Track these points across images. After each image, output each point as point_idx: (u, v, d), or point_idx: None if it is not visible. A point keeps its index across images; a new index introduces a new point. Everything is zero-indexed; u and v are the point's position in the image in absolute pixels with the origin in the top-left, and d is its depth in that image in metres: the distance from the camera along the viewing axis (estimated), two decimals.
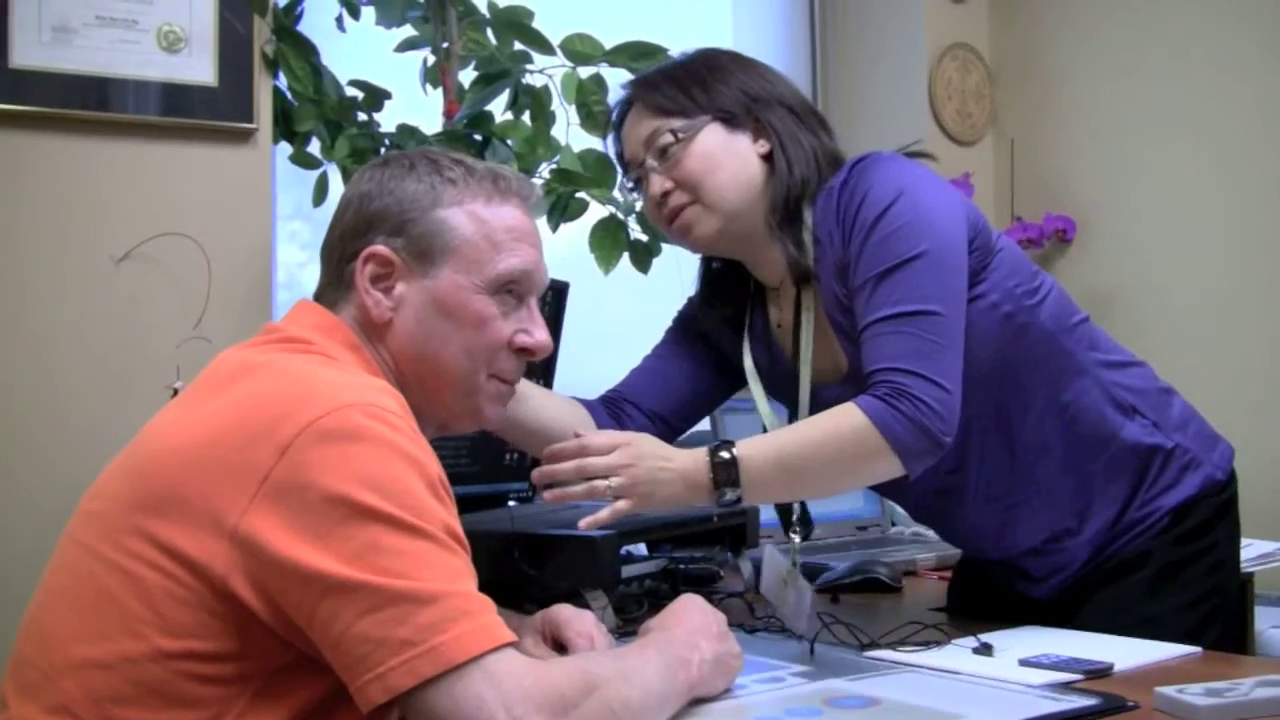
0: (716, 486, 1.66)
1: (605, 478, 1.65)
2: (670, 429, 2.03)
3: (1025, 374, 1.81)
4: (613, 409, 2.00)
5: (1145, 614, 1.79)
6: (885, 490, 2.03)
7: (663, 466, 1.67)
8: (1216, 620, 1.83)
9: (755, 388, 1.95)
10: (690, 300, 2.09)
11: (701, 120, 1.80)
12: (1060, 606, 1.86)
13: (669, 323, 2.11)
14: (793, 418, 1.89)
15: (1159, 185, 3.62)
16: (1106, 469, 1.84)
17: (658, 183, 1.82)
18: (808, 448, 1.66)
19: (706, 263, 2.02)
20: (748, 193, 1.81)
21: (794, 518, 1.91)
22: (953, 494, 1.89)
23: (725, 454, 1.65)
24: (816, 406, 1.78)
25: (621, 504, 1.65)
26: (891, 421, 1.61)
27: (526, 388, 1.80)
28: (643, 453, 1.67)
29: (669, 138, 1.80)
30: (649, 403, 2.01)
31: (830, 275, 1.79)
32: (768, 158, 1.83)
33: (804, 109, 1.87)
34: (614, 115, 1.92)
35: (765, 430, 1.92)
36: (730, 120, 1.82)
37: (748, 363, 1.96)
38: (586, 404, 2.00)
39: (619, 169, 1.96)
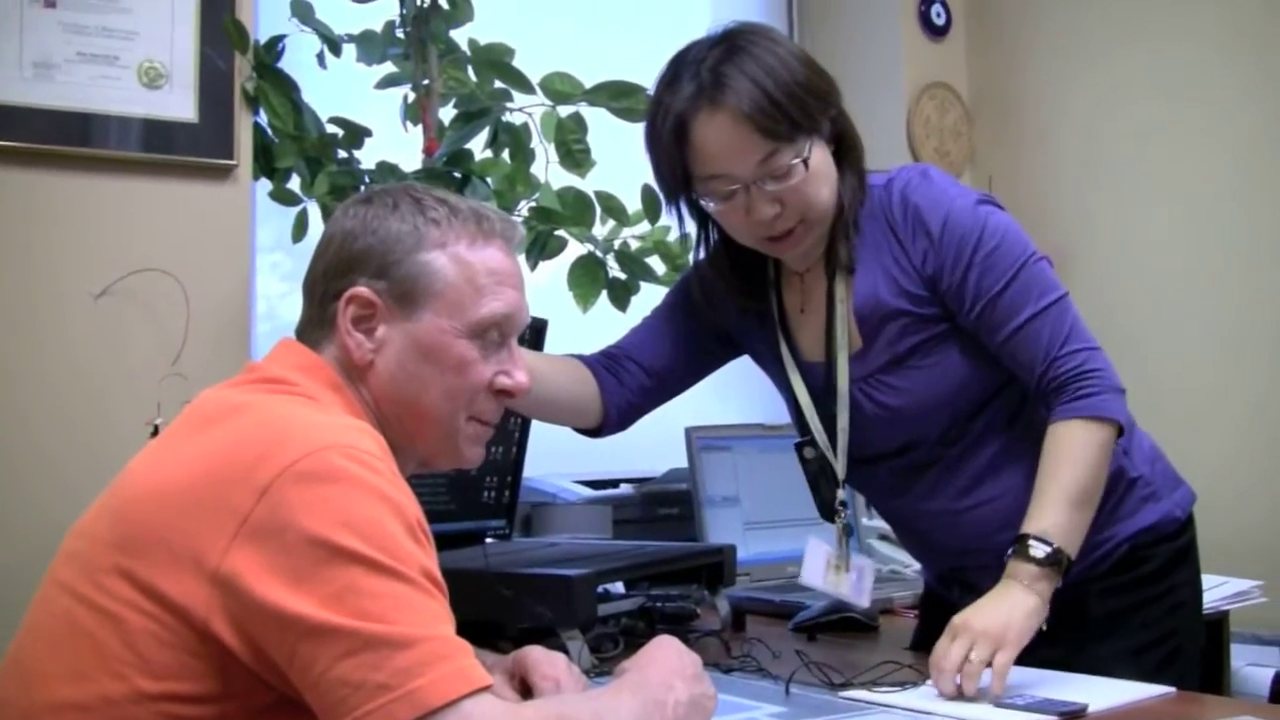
0: (1060, 570, 1.71)
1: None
2: (664, 387, 2.07)
3: (1009, 390, 1.88)
4: (611, 365, 2.04)
5: (1104, 653, 1.82)
6: (855, 479, 2.04)
7: (1001, 610, 1.68)
8: (1177, 661, 1.86)
9: (793, 373, 1.98)
10: (696, 267, 2.06)
11: (810, 141, 1.80)
12: None
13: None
14: (816, 394, 1.95)
15: (1136, 223, 3.65)
16: None
17: (769, 205, 1.80)
18: (1084, 477, 1.75)
19: (706, 238, 2.01)
20: (835, 198, 1.86)
21: (838, 502, 1.95)
22: (913, 490, 1.93)
23: (1041, 550, 1.70)
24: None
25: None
26: (1103, 405, 1.76)
27: (528, 358, 1.80)
28: (977, 618, 1.67)
29: (794, 163, 1.78)
30: (647, 359, 2.05)
31: (873, 267, 1.85)
32: (834, 154, 1.86)
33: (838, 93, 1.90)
34: (679, 119, 1.80)
35: (800, 410, 1.97)
36: (823, 135, 1.83)
37: (784, 350, 1.99)
38: (585, 361, 2.03)
39: (668, 178, 1.87)
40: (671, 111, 1.81)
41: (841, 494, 1.94)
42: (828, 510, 1.97)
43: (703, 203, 1.87)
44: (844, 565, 1.90)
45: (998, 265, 1.80)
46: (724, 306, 2.02)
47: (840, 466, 1.93)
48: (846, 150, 1.87)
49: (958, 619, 1.67)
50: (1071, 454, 1.75)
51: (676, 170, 1.84)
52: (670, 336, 2.07)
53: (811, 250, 1.90)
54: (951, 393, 1.86)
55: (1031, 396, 1.86)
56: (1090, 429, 1.75)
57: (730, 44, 1.80)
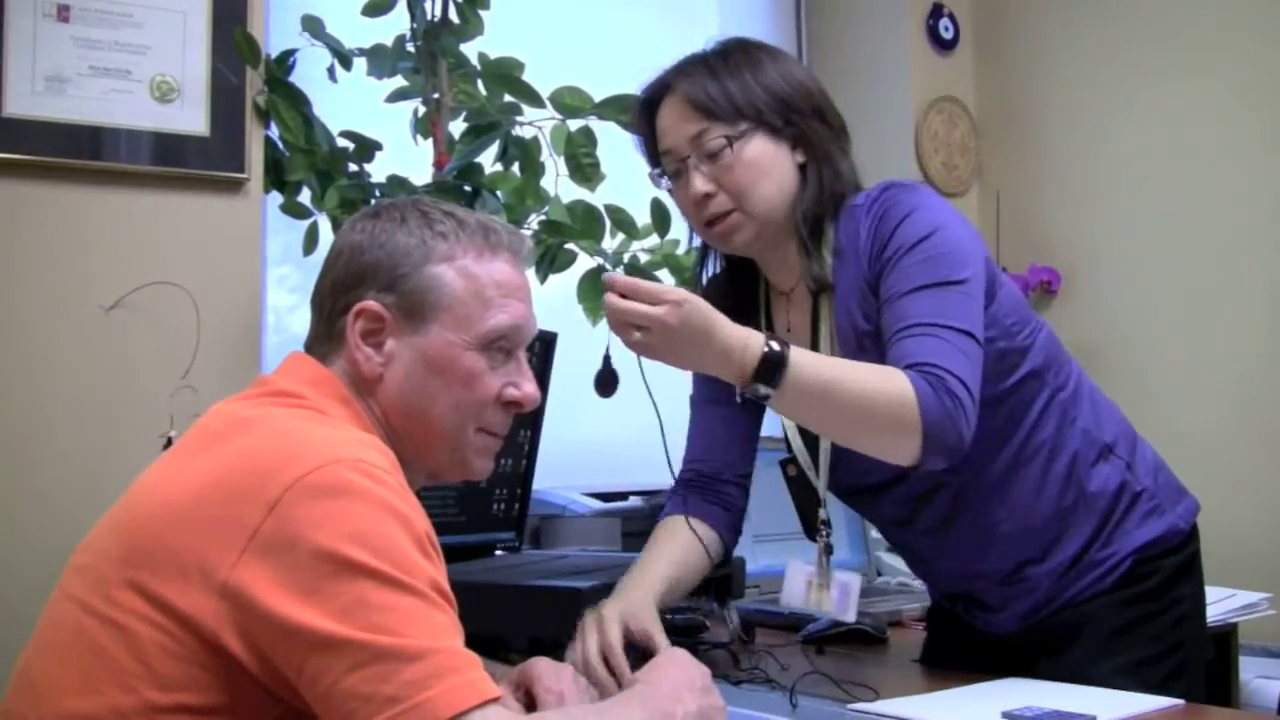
0: (756, 375, 1.63)
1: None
2: (748, 481, 2.02)
3: (1010, 408, 1.85)
4: (709, 495, 1.97)
5: (1110, 666, 1.81)
6: (859, 508, 2.04)
7: (702, 339, 1.63)
8: (1183, 674, 1.85)
9: None
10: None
11: (750, 128, 1.81)
12: (1026, 653, 1.88)
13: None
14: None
15: (1143, 238, 3.65)
16: (1076, 505, 1.87)
17: (702, 183, 1.83)
18: (854, 387, 1.64)
19: (704, 261, 2.04)
20: (786, 202, 1.84)
21: (820, 520, 1.93)
22: (921, 518, 1.92)
23: (778, 347, 1.62)
24: None
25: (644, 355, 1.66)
26: (934, 407, 1.62)
27: (670, 568, 1.84)
28: (687, 320, 1.61)
29: (720, 142, 1.81)
30: (727, 469, 1.99)
31: (849, 289, 1.82)
32: (802, 168, 1.86)
33: (835, 117, 1.90)
34: (645, 96, 1.91)
35: (785, 433, 1.96)
36: (775, 130, 1.83)
37: None
38: (690, 509, 1.94)
39: (645, 156, 1.95)
40: (642, 97, 1.91)
41: (823, 513, 1.94)
42: (810, 529, 1.97)
43: (661, 184, 1.92)
44: (826, 584, 1.90)
45: (919, 272, 1.73)
46: None
47: (822, 486, 1.93)
48: (816, 162, 1.85)
49: (681, 299, 1.60)
50: (869, 378, 1.65)
51: (653, 154, 1.92)
52: (726, 434, 2.01)
53: (785, 265, 1.90)
54: None
55: (1032, 420, 1.86)
56: (902, 396, 1.62)
57: (717, 49, 1.88)
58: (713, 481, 1.99)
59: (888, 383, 1.64)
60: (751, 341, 1.63)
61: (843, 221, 1.84)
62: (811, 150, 1.85)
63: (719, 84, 1.82)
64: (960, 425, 1.63)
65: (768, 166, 1.83)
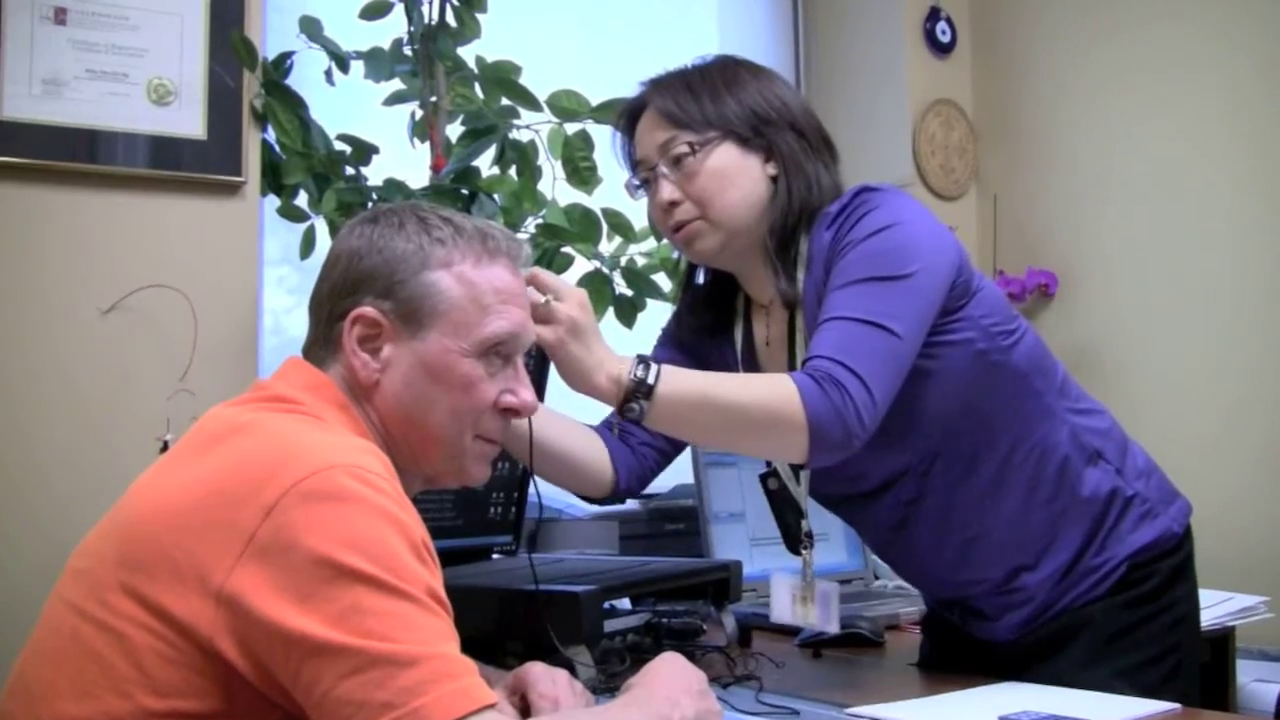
0: (628, 392, 1.66)
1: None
2: (672, 447, 2.04)
3: (994, 412, 1.84)
4: (620, 432, 2.01)
5: (1106, 670, 1.81)
6: (848, 517, 2.04)
7: (596, 337, 1.71)
8: (1179, 676, 1.85)
9: None
10: (674, 316, 2.09)
11: (716, 136, 1.83)
12: (1022, 657, 1.88)
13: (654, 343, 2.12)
14: None
15: (1141, 241, 3.65)
16: (1067, 511, 1.86)
17: (667, 190, 1.85)
18: (729, 393, 1.66)
19: (691, 275, 2.05)
20: (753, 213, 1.84)
21: (803, 532, 1.94)
22: (911, 525, 1.91)
23: (652, 363, 1.67)
24: None
25: (544, 330, 1.68)
26: (817, 402, 1.60)
27: (546, 416, 1.86)
28: (590, 310, 1.73)
29: (684, 149, 1.83)
30: (644, 430, 2.00)
31: (815, 295, 1.81)
32: (775, 179, 1.86)
33: (814, 133, 1.89)
34: (626, 112, 1.95)
35: None
36: (744, 140, 1.84)
37: None
38: (594, 429, 2.01)
39: (627, 168, 1.97)
40: (625, 111, 1.95)
41: (805, 524, 1.94)
42: (793, 542, 1.97)
43: (636, 195, 1.95)
44: (809, 596, 1.91)
45: (858, 267, 1.72)
46: (701, 345, 2.02)
47: (803, 496, 1.93)
48: (787, 173, 1.85)
49: (580, 312, 1.70)
50: (744, 383, 1.71)
51: (633, 165, 1.94)
52: None
53: (761, 279, 1.89)
54: (911, 422, 1.80)
55: (1020, 424, 1.85)
56: (781, 395, 1.61)
57: (698, 64, 1.90)
58: (629, 427, 1.99)
59: (766, 383, 1.66)
60: (625, 358, 1.69)
61: (815, 232, 1.84)
62: (782, 161, 1.85)
63: (691, 96, 1.85)
64: (845, 416, 1.61)
65: (733, 175, 1.84)
